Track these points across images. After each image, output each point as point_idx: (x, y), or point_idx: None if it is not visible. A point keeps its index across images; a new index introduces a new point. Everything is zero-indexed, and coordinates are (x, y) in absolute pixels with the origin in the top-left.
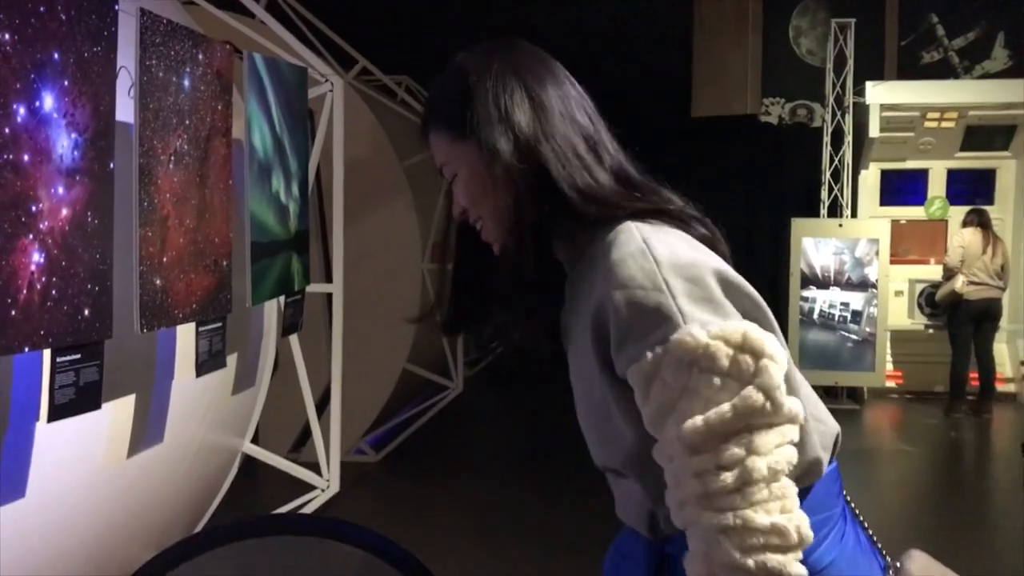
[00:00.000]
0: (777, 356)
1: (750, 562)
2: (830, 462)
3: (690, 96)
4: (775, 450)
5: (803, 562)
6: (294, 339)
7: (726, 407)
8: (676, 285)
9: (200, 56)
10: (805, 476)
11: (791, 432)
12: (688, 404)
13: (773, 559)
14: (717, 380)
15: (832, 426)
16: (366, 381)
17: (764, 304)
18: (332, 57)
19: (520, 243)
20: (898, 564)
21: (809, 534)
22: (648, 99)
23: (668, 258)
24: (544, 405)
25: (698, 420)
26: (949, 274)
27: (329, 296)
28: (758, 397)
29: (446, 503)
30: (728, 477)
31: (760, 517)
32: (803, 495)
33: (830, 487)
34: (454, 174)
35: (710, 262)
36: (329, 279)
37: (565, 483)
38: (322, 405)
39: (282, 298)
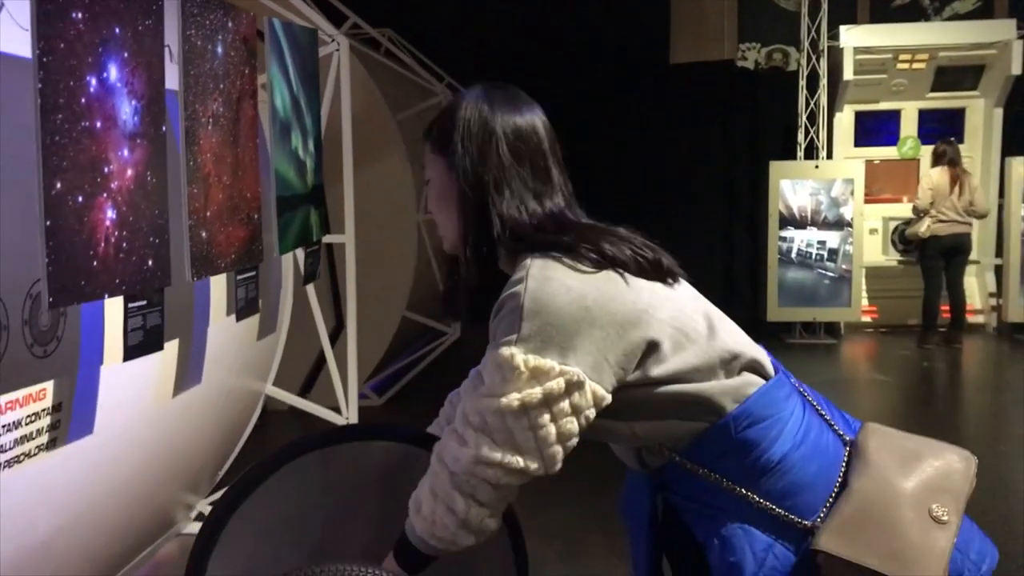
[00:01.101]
0: (549, 387)
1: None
2: (768, 379)
3: (669, 43)
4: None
5: (757, 460)
6: (310, 288)
7: (510, 399)
8: (527, 316)
9: (230, 24)
10: (726, 396)
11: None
12: (489, 386)
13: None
14: (511, 385)
15: (750, 355)
16: (367, 329)
17: (589, 318)
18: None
19: (463, 253)
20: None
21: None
22: (628, 47)
23: (532, 291)
24: None
25: (494, 400)
26: (919, 215)
27: (328, 248)
28: (518, 403)
29: None
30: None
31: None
32: (741, 407)
33: (771, 397)
34: (428, 180)
35: (556, 302)
36: (328, 230)
37: None
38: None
39: (301, 249)
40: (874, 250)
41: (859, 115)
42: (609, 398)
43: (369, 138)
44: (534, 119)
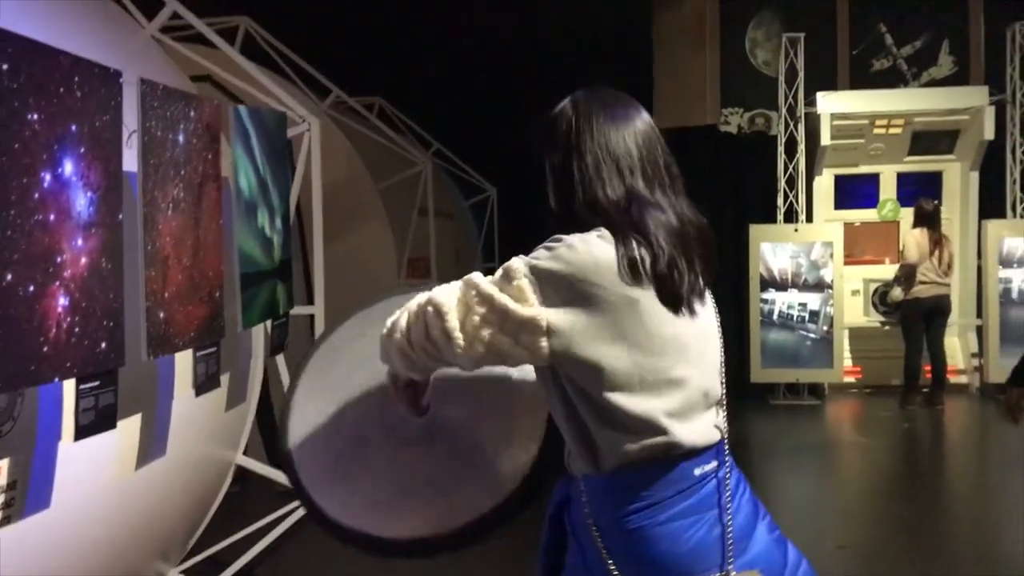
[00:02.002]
0: (495, 303)
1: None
2: (664, 463)
3: (652, 108)
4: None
5: (615, 521)
6: (280, 358)
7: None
8: (554, 258)
9: (192, 113)
10: (612, 456)
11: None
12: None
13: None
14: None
15: (662, 438)
16: None
17: (594, 291)
18: (307, 86)
19: (550, 215)
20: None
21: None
22: None
23: (572, 244)
24: None
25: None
26: (909, 270)
27: (312, 316)
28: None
29: None
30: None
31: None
32: (644, 469)
33: (665, 479)
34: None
35: (582, 268)
36: (311, 300)
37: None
38: None
39: (269, 321)
40: (856, 311)
41: (839, 178)
42: (547, 359)
43: (351, 207)
44: (614, 105)
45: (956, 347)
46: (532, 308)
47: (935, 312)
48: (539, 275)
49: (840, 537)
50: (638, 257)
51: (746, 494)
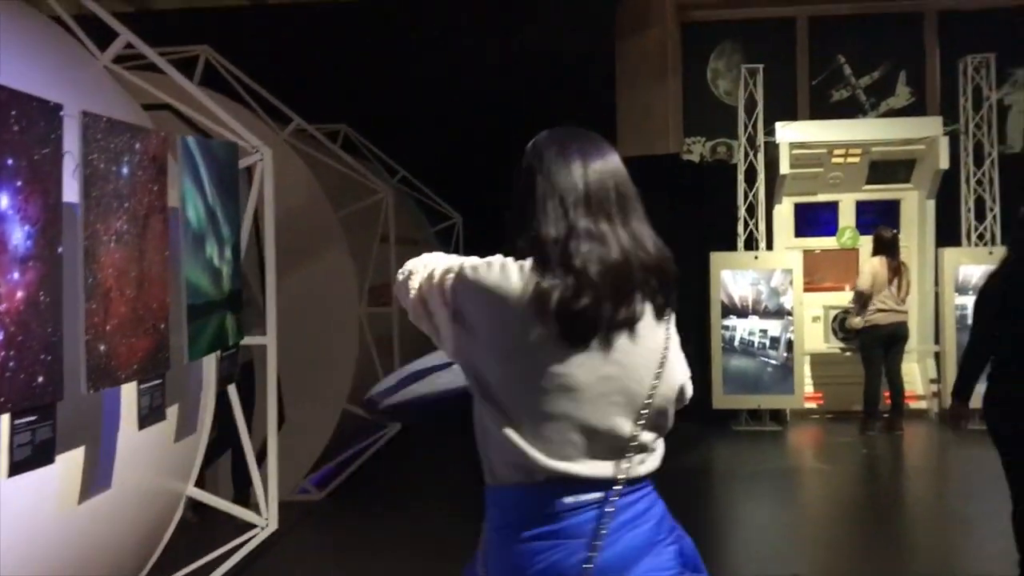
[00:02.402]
0: (417, 279)
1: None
2: (532, 487)
3: (616, 137)
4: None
5: (489, 532)
6: (231, 389)
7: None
8: (473, 265)
9: (137, 145)
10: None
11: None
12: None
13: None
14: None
15: (523, 462)
16: (308, 422)
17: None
18: (270, 115)
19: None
20: None
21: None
22: None
23: (478, 263)
24: None
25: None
26: (861, 298)
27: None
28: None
29: (393, 536)
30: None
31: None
32: (512, 488)
33: (532, 502)
34: None
35: (485, 283)
36: None
37: None
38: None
39: (219, 352)
40: (816, 338)
41: (798, 206)
42: (451, 339)
43: (310, 235)
44: (569, 146)
45: (915, 373)
46: (456, 271)
47: (893, 339)
48: (463, 278)
49: (798, 564)
50: (549, 292)
51: (640, 528)
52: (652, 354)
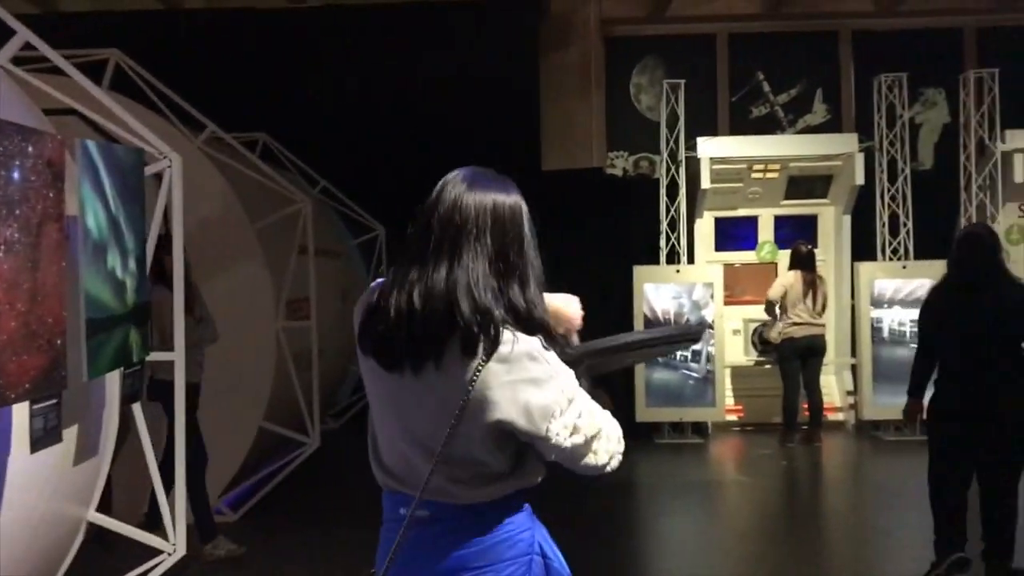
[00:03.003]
0: None
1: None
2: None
3: (540, 151)
4: None
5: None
6: (137, 407)
7: None
8: None
9: (30, 149)
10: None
11: None
12: None
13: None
14: None
15: (373, 467)
16: (222, 440)
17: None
18: (184, 122)
19: None
20: None
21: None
22: (500, 155)
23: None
24: None
25: None
26: (771, 307)
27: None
28: None
29: (305, 557)
30: None
31: None
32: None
33: (387, 507)
34: None
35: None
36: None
37: None
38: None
39: (123, 369)
40: (737, 351)
41: (719, 221)
42: None
43: (225, 246)
44: (516, 214)
45: (832, 385)
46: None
47: (810, 351)
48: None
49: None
50: (366, 320)
51: (430, 551)
52: (451, 382)
